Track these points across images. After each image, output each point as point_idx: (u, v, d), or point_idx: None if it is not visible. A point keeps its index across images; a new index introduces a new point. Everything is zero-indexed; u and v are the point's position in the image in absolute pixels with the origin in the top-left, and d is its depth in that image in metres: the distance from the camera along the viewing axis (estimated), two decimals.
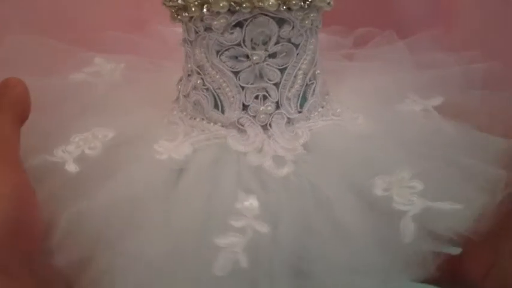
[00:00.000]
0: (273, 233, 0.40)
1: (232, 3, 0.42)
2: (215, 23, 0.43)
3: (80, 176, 0.42)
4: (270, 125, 0.46)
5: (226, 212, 0.40)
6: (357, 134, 0.47)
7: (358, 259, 0.40)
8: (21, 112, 0.43)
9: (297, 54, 0.45)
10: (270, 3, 0.41)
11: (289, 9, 0.43)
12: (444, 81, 0.52)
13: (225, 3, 0.42)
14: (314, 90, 0.48)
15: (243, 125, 0.46)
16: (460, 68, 0.53)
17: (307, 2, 0.43)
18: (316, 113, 0.48)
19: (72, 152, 0.44)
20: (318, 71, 0.48)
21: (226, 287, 0.39)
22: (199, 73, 0.46)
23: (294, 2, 0.42)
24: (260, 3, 0.41)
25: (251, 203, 0.41)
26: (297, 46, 0.45)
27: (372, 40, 0.61)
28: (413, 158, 0.44)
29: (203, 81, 0.46)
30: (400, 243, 0.39)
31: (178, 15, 0.45)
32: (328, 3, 0.44)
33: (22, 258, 0.39)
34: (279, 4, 0.42)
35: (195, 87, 0.47)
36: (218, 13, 0.42)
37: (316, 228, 0.41)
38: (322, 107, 0.49)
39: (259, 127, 0.46)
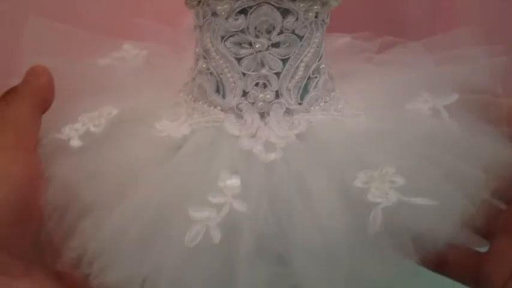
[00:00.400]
0: (251, 214, 0.41)
1: None
2: (219, 8, 0.44)
3: (82, 152, 0.45)
4: (268, 113, 0.47)
5: (206, 188, 0.41)
6: (354, 130, 0.47)
7: (332, 248, 0.40)
8: (43, 100, 0.46)
9: (301, 46, 0.46)
10: None
11: None
12: (463, 78, 0.50)
13: None
14: (317, 84, 0.48)
15: (241, 111, 0.47)
16: (481, 62, 0.51)
17: None
18: (318, 106, 0.48)
19: (78, 130, 0.46)
20: (323, 66, 0.48)
21: (198, 260, 0.40)
22: (205, 57, 0.48)
23: None
24: None
25: (233, 182, 0.42)
26: (300, 38, 0.46)
27: (395, 47, 0.61)
28: (404, 155, 0.43)
29: (208, 65, 0.47)
30: (369, 234, 0.39)
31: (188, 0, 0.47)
32: None
33: (31, 239, 0.42)
34: None
35: (200, 71, 0.48)
36: None
37: (294, 214, 0.41)
38: (325, 102, 0.49)
39: (257, 114, 0.47)
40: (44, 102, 0.46)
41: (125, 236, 0.41)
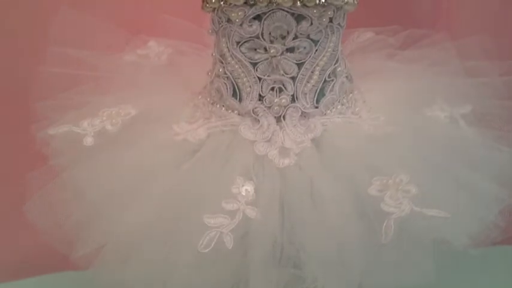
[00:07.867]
0: (263, 220, 0.42)
1: None
2: (233, 14, 0.45)
3: (96, 149, 0.46)
4: (284, 117, 0.47)
5: (221, 194, 0.42)
6: (370, 134, 0.47)
7: (344, 255, 0.41)
8: None
9: (316, 51, 0.46)
10: None
11: (305, 5, 0.44)
12: (479, 90, 0.50)
13: None
14: (333, 87, 0.48)
15: (257, 115, 0.47)
16: (500, 78, 0.51)
17: (322, 0, 0.43)
18: (334, 109, 0.49)
19: (95, 126, 0.48)
20: (340, 68, 0.48)
21: (210, 264, 0.41)
22: (221, 62, 0.48)
23: None
24: None
25: (247, 188, 0.43)
26: (316, 42, 0.46)
27: (421, 41, 0.60)
28: (419, 163, 0.43)
29: (224, 69, 0.48)
30: (380, 243, 0.39)
31: (204, 5, 0.47)
32: (346, 3, 0.45)
33: None
34: (294, 0, 0.43)
35: (217, 75, 0.49)
36: (236, 5, 0.44)
37: (306, 221, 0.42)
38: (342, 104, 0.49)
39: (273, 118, 0.47)
40: None
41: (141, 234, 0.43)
